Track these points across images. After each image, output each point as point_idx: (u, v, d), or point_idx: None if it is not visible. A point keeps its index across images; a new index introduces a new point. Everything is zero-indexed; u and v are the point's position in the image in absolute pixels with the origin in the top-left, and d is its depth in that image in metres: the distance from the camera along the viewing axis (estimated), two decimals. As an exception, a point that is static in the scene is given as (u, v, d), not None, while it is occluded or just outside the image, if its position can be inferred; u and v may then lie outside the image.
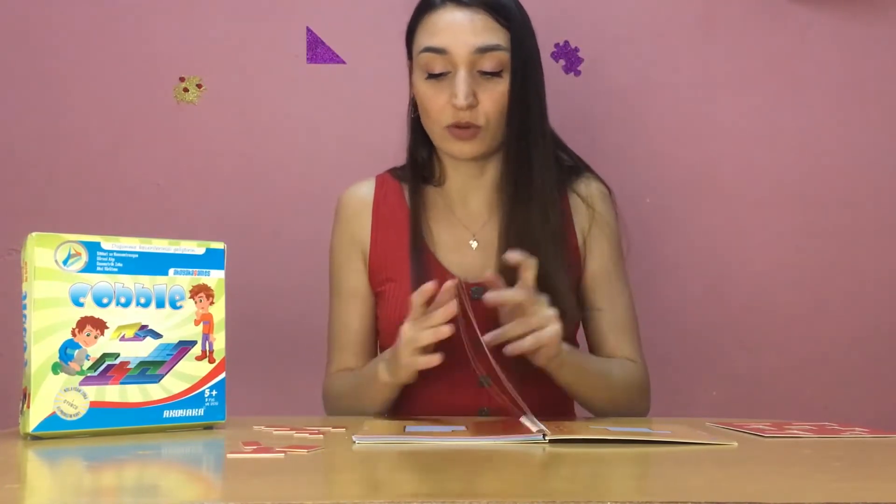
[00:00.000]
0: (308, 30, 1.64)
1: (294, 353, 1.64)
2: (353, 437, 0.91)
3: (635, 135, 1.66)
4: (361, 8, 1.65)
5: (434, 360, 1.08)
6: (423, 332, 1.07)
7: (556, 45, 1.62)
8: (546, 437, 0.91)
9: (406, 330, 1.09)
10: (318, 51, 1.64)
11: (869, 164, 1.67)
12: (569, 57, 1.65)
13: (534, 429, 0.95)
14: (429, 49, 1.20)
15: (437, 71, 1.21)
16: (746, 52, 1.66)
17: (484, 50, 1.19)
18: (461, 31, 1.19)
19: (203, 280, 1.03)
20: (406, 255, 1.27)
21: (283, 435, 0.95)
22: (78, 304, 0.94)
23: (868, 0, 1.66)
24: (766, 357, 1.66)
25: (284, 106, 1.65)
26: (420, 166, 1.32)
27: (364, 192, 1.34)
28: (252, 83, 1.64)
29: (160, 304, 1.00)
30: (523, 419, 1.04)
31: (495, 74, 1.21)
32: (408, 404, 1.23)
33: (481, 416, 1.23)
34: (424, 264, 1.25)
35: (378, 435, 0.93)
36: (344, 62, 1.65)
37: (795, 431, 1.01)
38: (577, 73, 1.65)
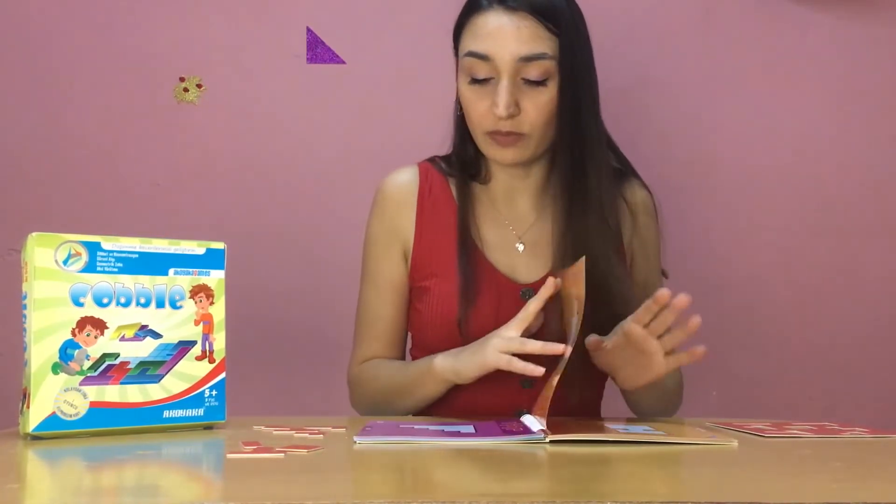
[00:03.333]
0: (308, 30, 1.64)
1: (294, 353, 1.64)
2: (354, 438, 0.91)
3: (635, 134, 1.66)
4: (361, 8, 1.65)
5: (537, 370, 1.06)
6: (529, 343, 1.08)
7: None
8: (546, 438, 0.91)
9: (508, 333, 1.10)
10: (318, 51, 1.64)
11: (868, 164, 1.67)
12: (569, 57, 1.65)
13: (534, 428, 0.95)
14: (472, 54, 1.18)
15: (480, 76, 1.18)
16: (746, 52, 1.66)
17: (529, 59, 1.16)
18: (506, 39, 1.16)
19: (203, 280, 1.03)
20: (452, 250, 1.25)
21: (283, 435, 0.95)
22: (78, 304, 0.94)
23: (868, 0, 1.66)
24: (766, 357, 1.66)
25: (284, 106, 1.65)
26: (467, 163, 1.30)
27: (408, 180, 1.31)
28: (252, 83, 1.64)
29: (160, 304, 1.00)
30: (524, 418, 1.04)
31: (540, 83, 1.18)
32: (446, 404, 1.22)
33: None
34: (475, 264, 1.24)
35: (378, 435, 0.93)
36: (344, 62, 1.65)
37: (795, 431, 1.01)
38: (577, 73, 1.65)
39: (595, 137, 1.22)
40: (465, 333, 1.20)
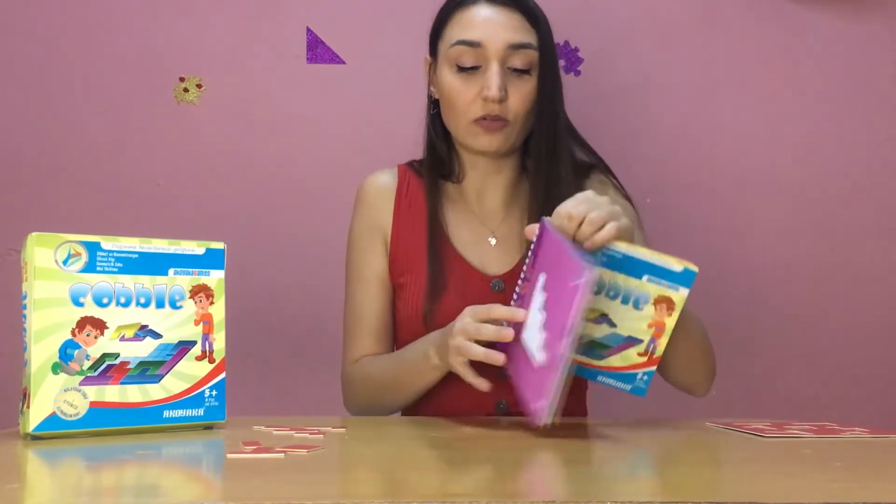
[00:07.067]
0: (308, 30, 1.64)
1: (294, 353, 1.64)
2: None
3: (635, 135, 1.66)
4: (361, 8, 1.65)
5: (495, 357, 1.01)
6: (483, 327, 1.03)
7: (556, 45, 1.62)
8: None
9: (466, 320, 1.04)
10: (318, 51, 1.64)
11: (869, 164, 1.67)
12: (569, 57, 1.65)
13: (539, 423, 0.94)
14: (462, 42, 1.22)
15: (468, 65, 1.23)
16: (746, 52, 1.66)
17: (517, 47, 1.22)
18: (496, 27, 1.22)
19: (203, 280, 1.03)
20: (425, 247, 1.28)
21: (283, 435, 0.95)
22: (78, 304, 0.94)
23: (868, 0, 1.66)
24: (766, 357, 1.66)
25: (285, 106, 1.65)
26: (438, 162, 1.33)
27: (387, 180, 1.34)
28: (252, 83, 1.64)
29: (160, 304, 1.00)
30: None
31: (524, 72, 1.23)
32: (424, 397, 1.22)
33: (499, 411, 1.24)
34: (446, 258, 1.27)
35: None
36: (344, 62, 1.65)
37: (795, 431, 1.01)
38: (578, 73, 1.65)
39: (564, 129, 1.29)
40: (431, 327, 1.22)
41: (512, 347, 1.02)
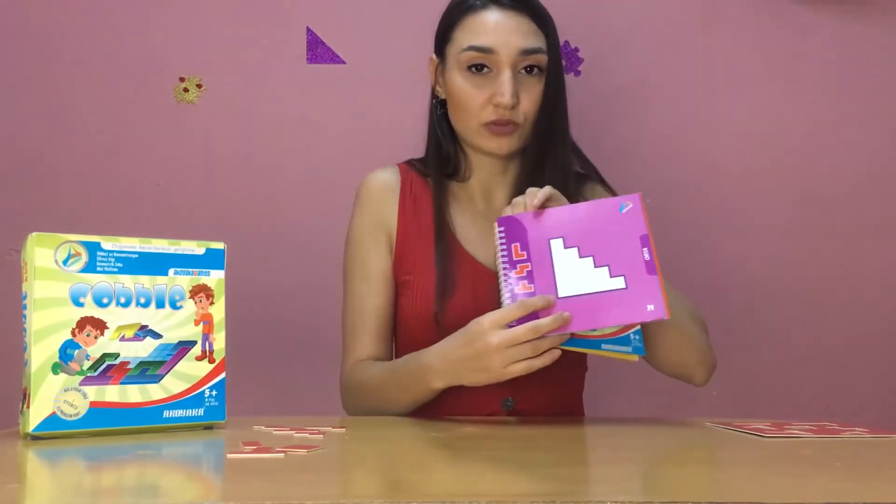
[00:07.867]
0: (308, 30, 1.64)
1: (294, 353, 1.64)
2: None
3: (635, 135, 1.66)
4: (361, 8, 1.65)
5: (552, 357, 1.05)
6: (517, 332, 1.03)
7: (556, 45, 1.63)
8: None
9: (495, 339, 1.04)
10: (318, 51, 1.64)
11: (869, 164, 1.67)
12: (569, 57, 1.65)
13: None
14: (474, 48, 1.23)
15: (480, 70, 1.24)
16: (747, 52, 1.66)
17: (528, 52, 1.23)
18: (508, 33, 1.23)
19: (203, 280, 1.03)
20: (431, 245, 1.28)
21: (283, 435, 0.95)
22: (78, 304, 0.94)
23: (868, 0, 1.66)
24: (766, 357, 1.66)
25: (284, 106, 1.65)
26: (443, 161, 1.33)
27: (390, 178, 1.34)
28: (252, 83, 1.64)
29: (160, 304, 1.00)
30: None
31: (534, 76, 1.25)
32: (431, 400, 1.21)
33: (505, 409, 1.24)
34: (454, 256, 1.27)
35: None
36: (344, 62, 1.65)
37: (795, 431, 1.01)
38: (577, 73, 1.65)
39: (564, 135, 1.30)
40: (442, 324, 1.22)
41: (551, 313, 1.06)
